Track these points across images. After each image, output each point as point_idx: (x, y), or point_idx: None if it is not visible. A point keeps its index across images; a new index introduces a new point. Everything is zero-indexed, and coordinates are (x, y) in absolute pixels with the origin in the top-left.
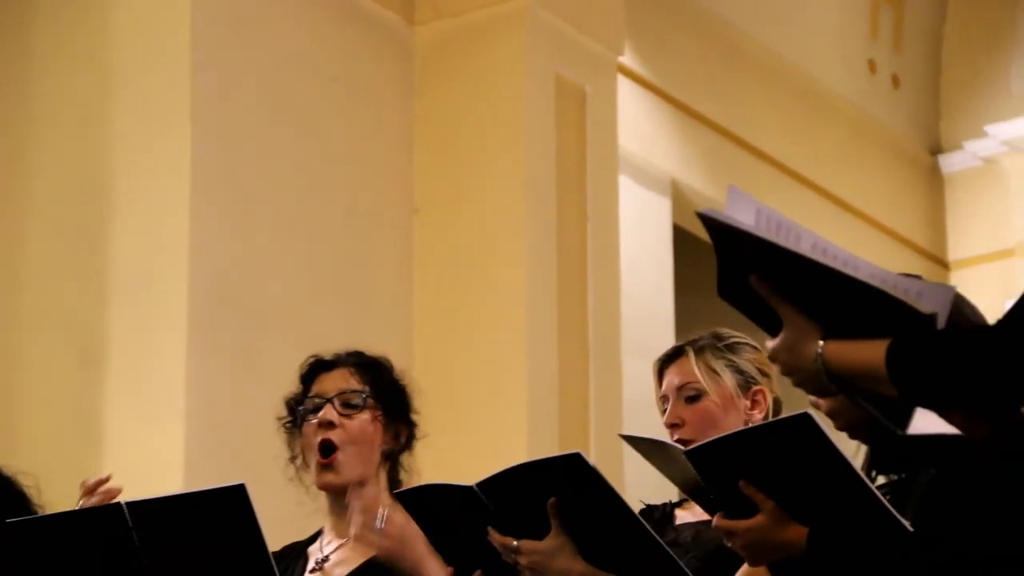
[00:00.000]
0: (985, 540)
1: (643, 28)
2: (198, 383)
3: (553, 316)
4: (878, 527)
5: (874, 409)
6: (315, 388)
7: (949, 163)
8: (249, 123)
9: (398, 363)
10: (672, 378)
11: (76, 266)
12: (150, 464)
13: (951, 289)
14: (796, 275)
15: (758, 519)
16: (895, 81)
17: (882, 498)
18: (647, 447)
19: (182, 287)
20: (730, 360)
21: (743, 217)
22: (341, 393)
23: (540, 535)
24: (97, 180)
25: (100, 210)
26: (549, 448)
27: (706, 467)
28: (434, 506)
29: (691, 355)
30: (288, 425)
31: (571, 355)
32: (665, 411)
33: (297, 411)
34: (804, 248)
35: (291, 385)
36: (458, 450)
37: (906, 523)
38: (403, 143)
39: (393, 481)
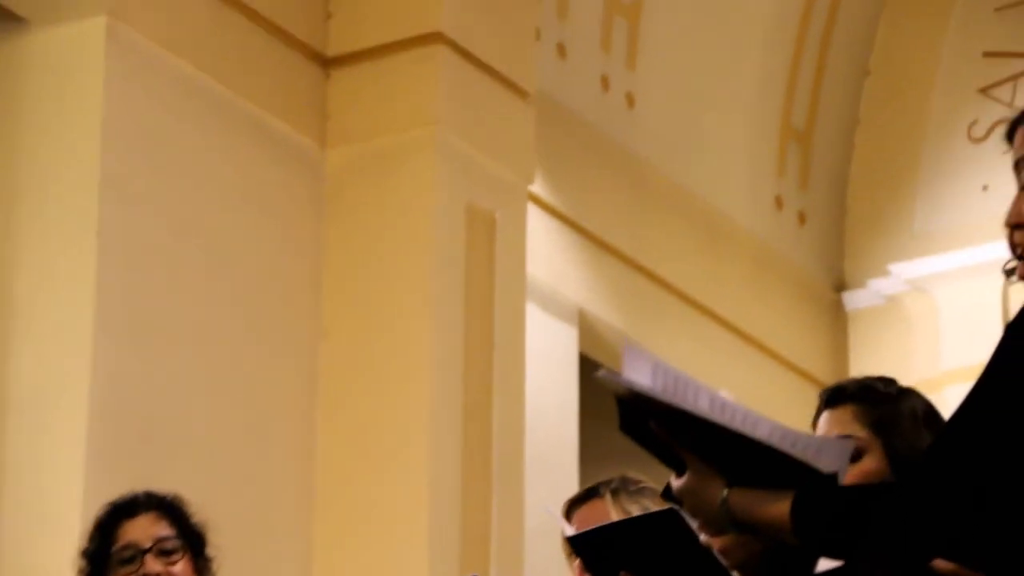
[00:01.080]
0: None
1: (554, 157)
2: (95, 505)
3: (458, 442)
4: None
5: (780, 554)
6: (122, 537)
7: (853, 300)
8: (157, 242)
9: (299, 486)
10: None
11: None
12: None
13: (849, 444)
14: (696, 431)
15: None
16: (801, 218)
17: None
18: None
19: (82, 407)
20: (645, 506)
21: (640, 375)
22: (158, 541)
23: None
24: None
25: (2, 327)
26: (450, 568)
27: (588, 555)
28: None
29: (607, 497)
30: None
31: (474, 482)
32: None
33: (102, 562)
34: (703, 406)
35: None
36: (358, 569)
37: None
38: (312, 266)
39: None
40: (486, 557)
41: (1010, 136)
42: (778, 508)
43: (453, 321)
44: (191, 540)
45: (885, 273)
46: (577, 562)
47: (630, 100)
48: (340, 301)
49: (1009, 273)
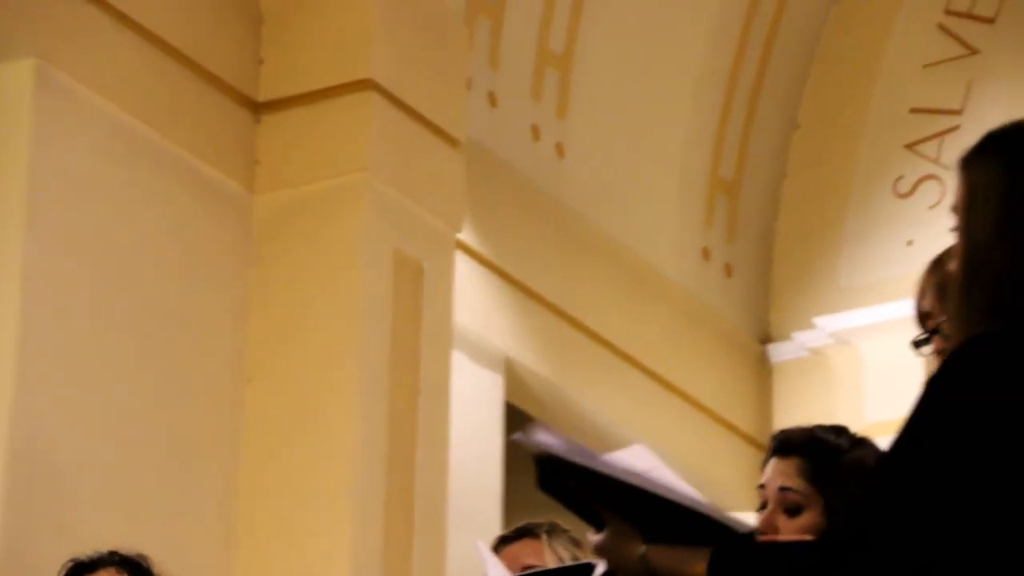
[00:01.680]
0: None
1: (484, 206)
2: (13, 555)
3: (381, 490)
4: None
5: None
6: None
7: (778, 353)
8: (82, 285)
9: (222, 536)
10: (516, 555)
11: None
12: None
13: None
14: (612, 490)
15: None
16: (728, 270)
17: None
18: None
19: (1, 451)
20: (574, 555)
21: (554, 441)
22: None
23: None
24: None
25: None
26: None
27: None
28: None
29: (543, 538)
30: None
31: (397, 528)
32: None
33: None
34: (617, 467)
35: None
36: None
37: None
38: (238, 311)
39: None
40: None
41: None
42: (696, 565)
43: (379, 367)
44: None
45: (810, 326)
46: None
47: (560, 150)
48: (266, 346)
49: (917, 344)
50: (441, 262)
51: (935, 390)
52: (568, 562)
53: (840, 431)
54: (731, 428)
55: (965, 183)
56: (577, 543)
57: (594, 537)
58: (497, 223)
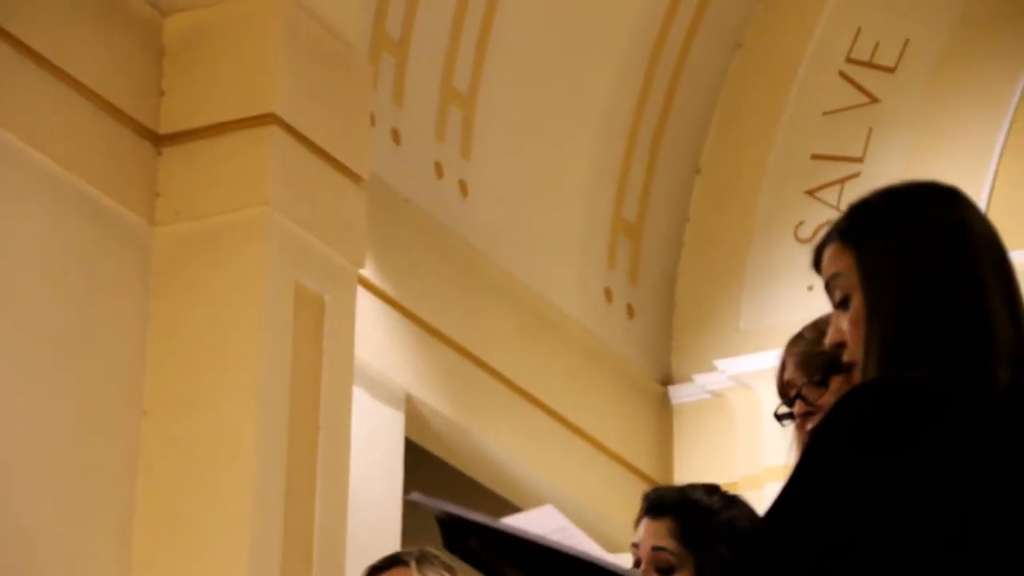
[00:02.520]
0: None
1: (386, 242)
2: None
3: (279, 525)
4: None
5: None
6: None
7: (679, 394)
8: None
9: (116, 564)
10: None
11: None
12: None
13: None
14: (512, 547)
15: None
16: (630, 311)
17: None
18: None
19: None
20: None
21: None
22: None
23: None
24: None
25: None
26: None
27: None
28: None
29: (412, 565)
30: None
31: (295, 564)
32: None
33: None
34: (518, 529)
35: None
36: None
37: None
38: (136, 343)
39: None
40: None
41: (816, 264)
42: None
43: (279, 402)
44: None
45: (711, 368)
46: None
47: (463, 188)
48: (164, 379)
49: (779, 418)
50: (343, 297)
51: (818, 434)
52: None
53: (712, 490)
54: (631, 469)
55: (856, 257)
56: (450, 569)
57: None
58: (399, 260)
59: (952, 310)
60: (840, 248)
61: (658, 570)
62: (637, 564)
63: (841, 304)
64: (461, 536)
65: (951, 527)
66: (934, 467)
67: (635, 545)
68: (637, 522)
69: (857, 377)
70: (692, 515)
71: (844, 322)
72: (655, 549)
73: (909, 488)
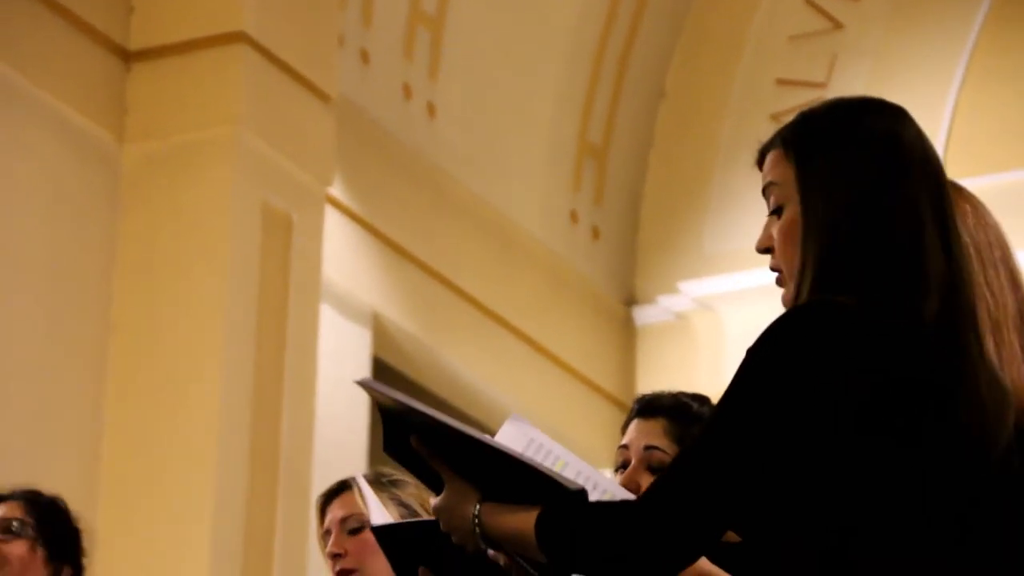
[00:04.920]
0: None
1: (353, 162)
2: None
3: (246, 442)
4: None
5: (532, 570)
6: None
7: (643, 316)
8: None
9: (83, 477)
10: (336, 511)
11: None
12: None
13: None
14: (452, 445)
15: None
16: (595, 233)
17: None
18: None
19: None
20: (393, 494)
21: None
22: (3, 519)
23: None
24: None
25: None
26: (233, 570)
27: (392, 547)
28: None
29: (355, 488)
30: None
31: (261, 481)
32: (327, 545)
33: None
34: (457, 423)
35: None
36: (140, 569)
37: None
38: (104, 260)
39: None
40: (270, 557)
41: (760, 162)
42: (525, 522)
43: (246, 320)
44: (49, 536)
45: (674, 290)
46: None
47: (431, 109)
48: (132, 296)
49: None
50: (310, 216)
51: (752, 355)
52: (385, 504)
53: (703, 400)
54: (595, 388)
55: (795, 167)
56: (399, 485)
57: (433, 501)
58: (367, 180)
59: (884, 237)
60: (781, 155)
61: (650, 469)
62: (624, 466)
63: (775, 211)
64: (402, 434)
65: (870, 456)
66: (858, 397)
67: (623, 447)
68: (625, 426)
69: (785, 291)
70: (685, 416)
71: (775, 229)
72: (648, 448)
73: (835, 414)
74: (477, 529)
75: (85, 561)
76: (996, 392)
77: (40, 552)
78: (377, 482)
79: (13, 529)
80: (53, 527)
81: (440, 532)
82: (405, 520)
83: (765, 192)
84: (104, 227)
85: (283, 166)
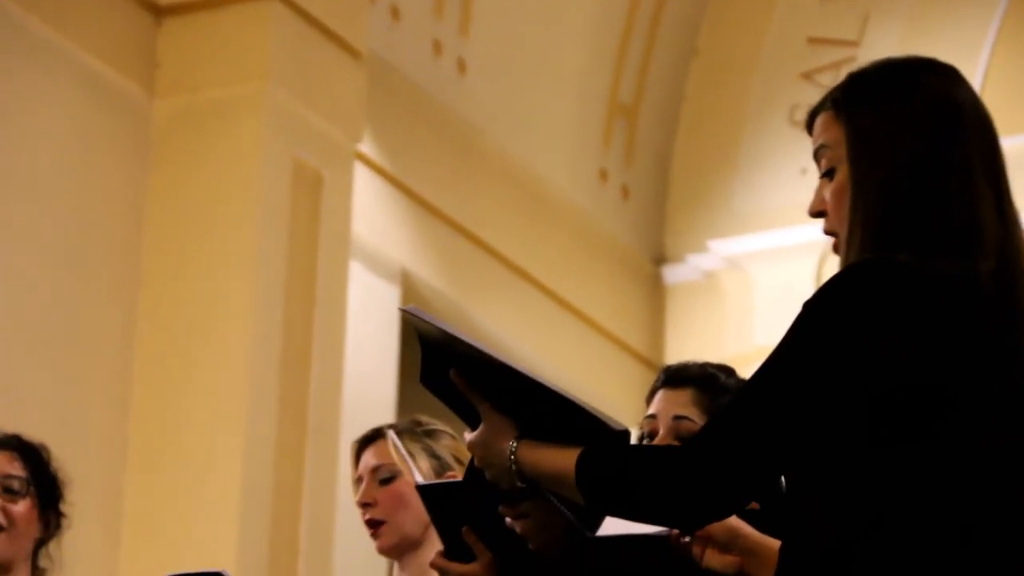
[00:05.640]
0: None
1: (383, 118)
2: None
3: (275, 398)
4: None
5: (566, 510)
6: None
7: (672, 274)
8: None
9: (113, 436)
10: (368, 459)
11: None
12: None
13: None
14: (493, 378)
15: (473, 567)
16: (625, 192)
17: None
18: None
19: None
20: (427, 444)
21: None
22: (5, 478)
23: None
24: None
25: None
26: (261, 527)
27: (436, 507)
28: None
29: (389, 437)
30: None
31: (290, 438)
32: (358, 492)
33: None
34: (500, 356)
35: None
36: (169, 523)
37: None
38: (134, 215)
39: (35, 569)
40: (298, 512)
41: (809, 126)
42: (565, 460)
43: (275, 276)
44: (43, 488)
45: (704, 249)
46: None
47: (461, 66)
48: (161, 251)
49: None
50: (340, 172)
51: (808, 311)
52: (416, 455)
53: (729, 372)
54: (624, 347)
55: (847, 126)
56: (434, 435)
57: (468, 435)
58: (397, 136)
59: (938, 196)
60: (832, 117)
61: (679, 439)
62: (651, 436)
63: (827, 174)
64: (441, 366)
65: (929, 417)
66: (921, 355)
67: (651, 417)
68: (650, 396)
69: (839, 253)
70: (713, 387)
71: (827, 192)
72: (677, 418)
73: (892, 373)
74: (513, 466)
75: (65, 508)
76: None
77: (36, 507)
78: (411, 432)
79: (16, 489)
80: (44, 478)
81: (483, 492)
82: (448, 480)
83: (816, 155)
84: (134, 182)
85: (313, 122)
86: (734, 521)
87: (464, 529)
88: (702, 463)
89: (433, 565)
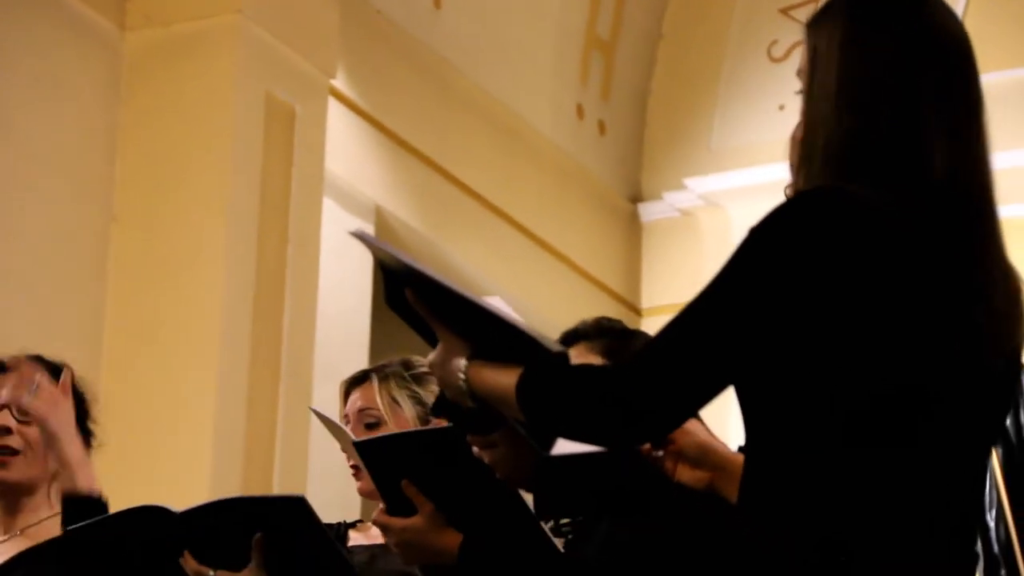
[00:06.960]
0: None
1: (358, 54)
2: None
3: (247, 334)
4: (529, 545)
5: (521, 428)
6: None
7: (648, 212)
8: None
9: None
10: (355, 401)
11: None
12: None
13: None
14: (443, 300)
15: (415, 520)
16: (601, 128)
17: (534, 518)
18: (335, 429)
19: None
20: (413, 391)
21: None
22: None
23: None
24: None
25: None
26: (234, 466)
27: (374, 462)
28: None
29: (375, 381)
30: None
31: (262, 374)
32: None
33: None
34: (452, 283)
35: None
36: (142, 461)
37: (557, 544)
38: (105, 149)
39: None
40: (271, 453)
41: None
42: (509, 380)
43: (248, 212)
44: None
45: (680, 187)
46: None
47: (437, 1)
48: (133, 186)
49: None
50: (314, 107)
51: (753, 237)
52: (402, 402)
53: (621, 326)
54: (599, 285)
55: (809, 46)
56: (423, 380)
57: (429, 356)
58: (371, 72)
59: (881, 119)
60: (805, 36)
61: None
62: None
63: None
64: (401, 290)
65: (867, 348)
66: (862, 290)
67: None
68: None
69: (793, 177)
70: (606, 335)
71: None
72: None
73: (831, 304)
74: (464, 385)
75: (93, 427)
76: (1009, 293)
77: None
78: (399, 376)
79: None
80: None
81: (422, 446)
82: (385, 434)
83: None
84: (105, 115)
85: (287, 56)
86: (705, 436)
87: (404, 482)
88: (635, 383)
89: (375, 522)
